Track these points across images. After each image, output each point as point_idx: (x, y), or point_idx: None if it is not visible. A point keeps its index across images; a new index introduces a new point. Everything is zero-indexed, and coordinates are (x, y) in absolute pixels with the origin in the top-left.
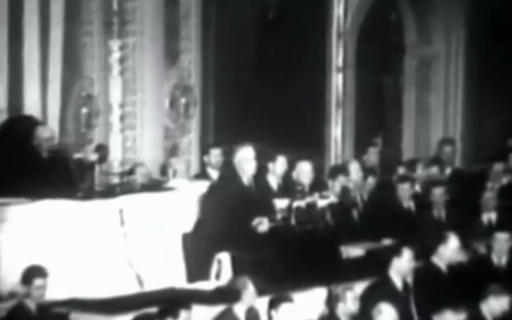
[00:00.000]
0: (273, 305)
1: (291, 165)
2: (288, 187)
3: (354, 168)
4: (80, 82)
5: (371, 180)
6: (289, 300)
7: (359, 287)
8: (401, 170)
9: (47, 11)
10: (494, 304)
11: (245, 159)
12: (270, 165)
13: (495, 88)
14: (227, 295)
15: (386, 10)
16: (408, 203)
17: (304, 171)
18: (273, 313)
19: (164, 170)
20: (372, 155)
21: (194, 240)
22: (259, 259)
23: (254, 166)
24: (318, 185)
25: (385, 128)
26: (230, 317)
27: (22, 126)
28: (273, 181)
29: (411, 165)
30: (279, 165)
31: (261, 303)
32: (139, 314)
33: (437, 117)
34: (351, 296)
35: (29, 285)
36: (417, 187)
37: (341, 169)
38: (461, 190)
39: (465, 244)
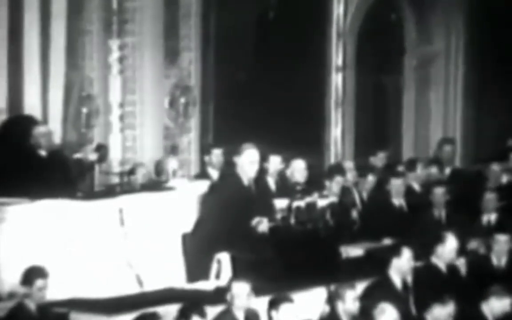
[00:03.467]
0: (273, 305)
1: (287, 164)
2: (285, 185)
3: (348, 168)
4: (80, 81)
5: (371, 178)
6: (289, 300)
7: (359, 287)
8: (400, 169)
9: (47, 10)
10: (495, 305)
11: (252, 161)
12: (264, 165)
13: (495, 87)
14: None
15: (386, 10)
16: (400, 201)
17: (298, 169)
18: (273, 313)
19: (159, 169)
20: (381, 159)
21: (194, 240)
22: (258, 259)
23: (257, 169)
24: (318, 184)
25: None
26: (229, 318)
27: (21, 125)
28: (271, 181)
29: (411, 164)
30: (272, 164)
31: (261, 303)
32: (139, 314)
33: (436, 117)
34: (351, 296)
35: (30, 286)
36: (416, 187)
37: (338, 169)
38: (461, 190)
39: (463, 246)
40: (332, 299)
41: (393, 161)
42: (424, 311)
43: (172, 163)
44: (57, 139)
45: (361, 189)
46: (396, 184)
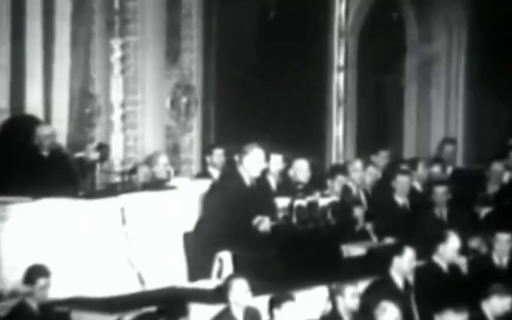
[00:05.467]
0: (275, 304)
1: (288, 163)
2: (286, 185)
3: (357, 167)
4: (82, 81)
5: (371, 170)
6: (292, 299)
7: (361, 286)
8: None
9: (50, 10)
10: (496, 304)
11: (258, 161)
12: (266, 165)
13: (496, 87)
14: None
15: (387, 9)
16: (403, 200)
17: (302, 169)
18: (276, 312)
19: (150, 163)
20: (382, 158)
21: (196, 239)
22: (260, 258)
23: (262, 168)
24: (319, 184)
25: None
26: (228, 318)
27: (24, 125)
28: (272, 180)
29: (412, 164)
30: (273, 164)
31: (263, 302)
32: (140, 313)
33: (438, 116)
34: (350, 292)
35: (32, 285)
36: (418, 186)
37: (340, 169)
38: (462, 189)
39: (465, 245)
40: (332, 296)
41: (396, 159)
42: (432, 311)
43: (163, 159)
44: (62, 139)
45: (364, 185)
46: (402, 182)
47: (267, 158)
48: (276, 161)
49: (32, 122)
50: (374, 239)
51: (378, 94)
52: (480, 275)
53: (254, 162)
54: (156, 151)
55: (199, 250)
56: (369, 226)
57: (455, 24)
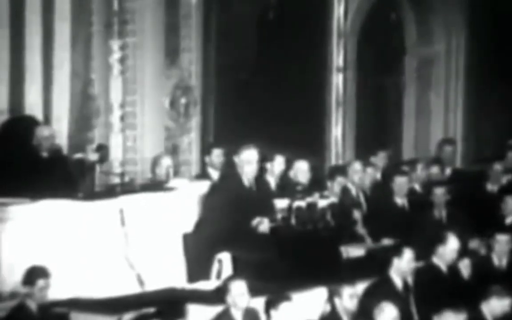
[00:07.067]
0: (272, 304)
1: (289, 164)
2: (286, 186)
3: (356, 169)
4: (82, 82)
5: (370, 171)
6: (288, 299)
7: (360, 287)
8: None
9: (50, 11)
10: (496, 305)
11: (248, 161)
12: (268, 165)
13: (495, 88)
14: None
15: (387, 11)
16: (402, 200)
17: (302, 170)
18: (273, 312)
19: (154, 166)
20: (381, 159)
21: (195, 240)
22: (259, 259)
23: (255, 168)
24: (319, 185)
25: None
26: (227, 319)
27: (23, 126)
28: (271, 180)
29: (411, 165)
30: (277, 164)
31: (262, 303)
32: (139, 314)
33: (437, 117)
34: (348, 293)
35: (32, 286)
36: (417, 187)
37: (340, 170)
38: (461, 190)
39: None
40: (331, 297)
41: (395, 160)
42: (431, 312)
43: (166, 161)
44: (61, 140)
45: (364, 186)
46: (399, 183)
47: (267, 159)
48: (279, 162)
49: (31, 123)
50: (369, 241)
51: (377, 95)
52: (479, 276)
53: (245, 162)
54: (159, 153)
55: (198, 251)
56: (363, 231)
57: (454, 25)
